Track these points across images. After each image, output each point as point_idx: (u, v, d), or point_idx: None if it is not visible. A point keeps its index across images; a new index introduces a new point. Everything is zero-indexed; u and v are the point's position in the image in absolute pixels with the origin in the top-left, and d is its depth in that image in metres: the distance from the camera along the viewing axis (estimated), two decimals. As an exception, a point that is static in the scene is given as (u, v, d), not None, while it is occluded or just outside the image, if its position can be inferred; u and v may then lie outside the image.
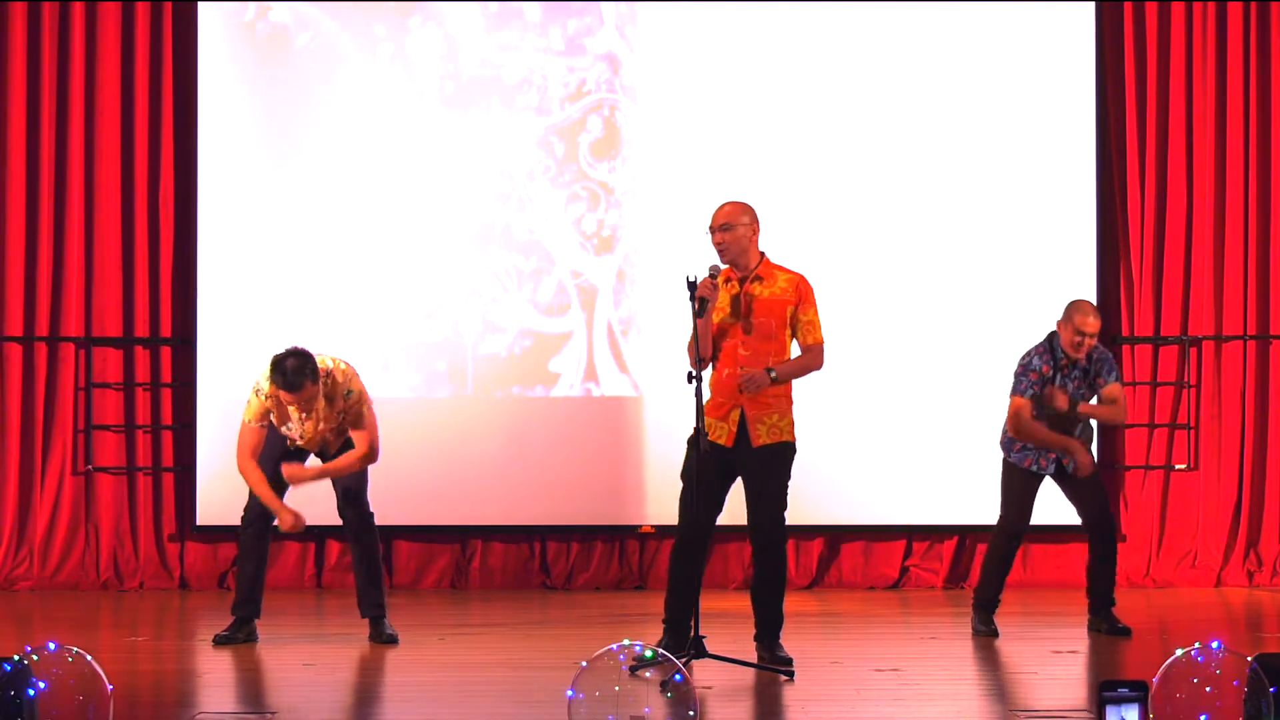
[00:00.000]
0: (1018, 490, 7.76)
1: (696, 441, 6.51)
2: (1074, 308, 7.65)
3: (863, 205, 9.66)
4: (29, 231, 9.64)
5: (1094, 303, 8.41)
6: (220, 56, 9.65)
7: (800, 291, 6.80)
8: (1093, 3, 9.74)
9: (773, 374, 6.67)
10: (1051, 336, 7.71)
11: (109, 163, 9.65)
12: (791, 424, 6.79)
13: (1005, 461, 7.80)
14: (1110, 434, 9.72)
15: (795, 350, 6.84)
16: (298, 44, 9.66)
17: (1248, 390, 9.75)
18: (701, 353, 6.54)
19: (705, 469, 6.58)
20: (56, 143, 9.65)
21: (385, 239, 9.58)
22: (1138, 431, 9.77)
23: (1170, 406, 9.79)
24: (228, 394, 9.47)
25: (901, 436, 9.60)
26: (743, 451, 6.70)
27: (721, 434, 6.69)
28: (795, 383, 6.83)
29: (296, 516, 7.39)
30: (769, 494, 6.73)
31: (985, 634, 7.69)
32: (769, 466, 6.73)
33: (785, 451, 6.77)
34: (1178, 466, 9.76)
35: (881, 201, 9.66)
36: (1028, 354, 7.72)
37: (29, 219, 9.64)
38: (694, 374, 6.45)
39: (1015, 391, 7.67)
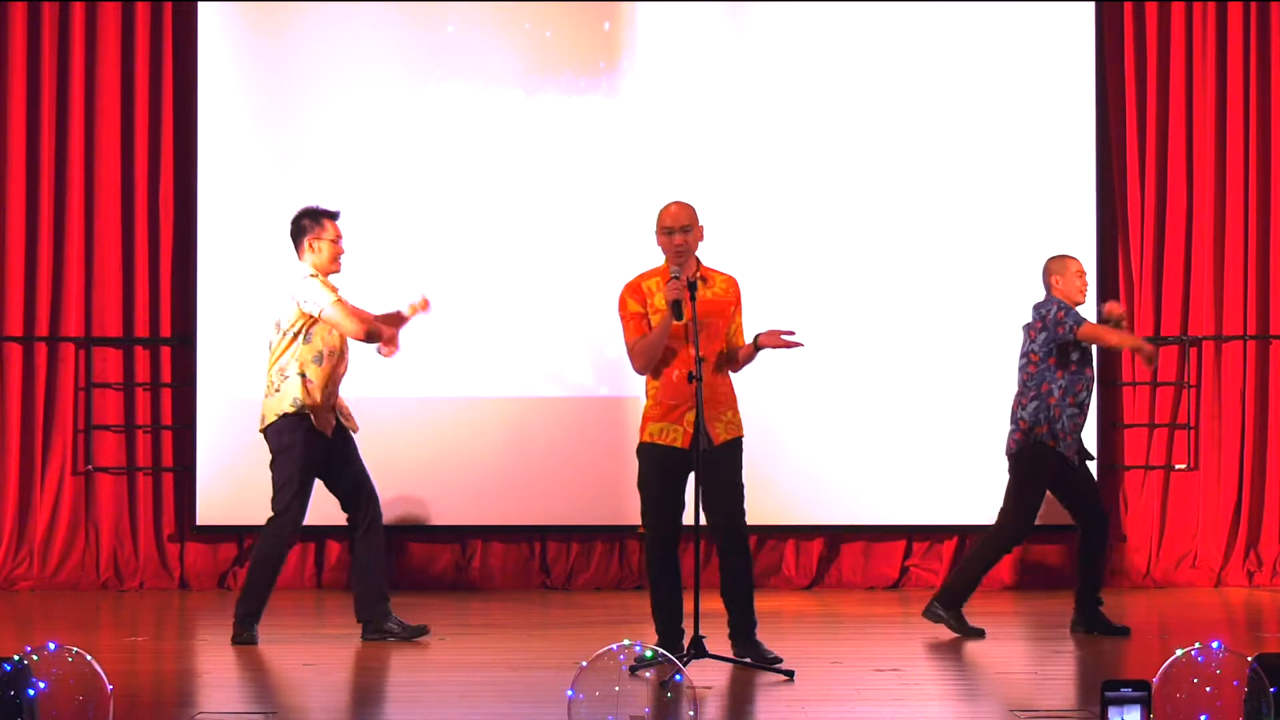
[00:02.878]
0: (1049, 479, 7.72)
1: (696, 444, 6.50)
2: (1058, 263, 7.76)
3: (863, 205, 9.66)
4: (29, 231, 9.64)
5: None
6: (220, 56, 9.65)
7: (737, 293, 6.87)
8: (1093, 3, 9.74)
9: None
10: (1041, 305, 7.74)
11: (109, 163, 9.65)
12: (739, 419, 6.82)
13: (1040, 448, 7.66)
14: (1110, 434, 9.73)
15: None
16: (298, 43, 9.67)
17: (1248, 390, 9.75)
18: (655, 358, 6.61)
19: (675, 472, 6.62)
20: (56, 143, 9.65)
21: (384, 238, 9.57)
22: (1138, 431, 9.78)
23: (1170, 406, 9.79)
24: (228, 394, 9.48)
25: (902, 436, 9.60)
26: (698, 451, 6.65)
27: (676, 436, 6.68)
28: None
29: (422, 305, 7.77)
30: (732, 488, 6.74)
31: (972, 634, 7.69)
32: (730, 462, 6.75)
33: (740, 446, 6.81)
34: (1178, 466, 9.76)
35: (881, 201, 9.67)
36: (1048, 305, 7.69)
37: (29, 219, 9.64)
38: (694, 374, 6.46)
39: (1077, 323, 7.59)
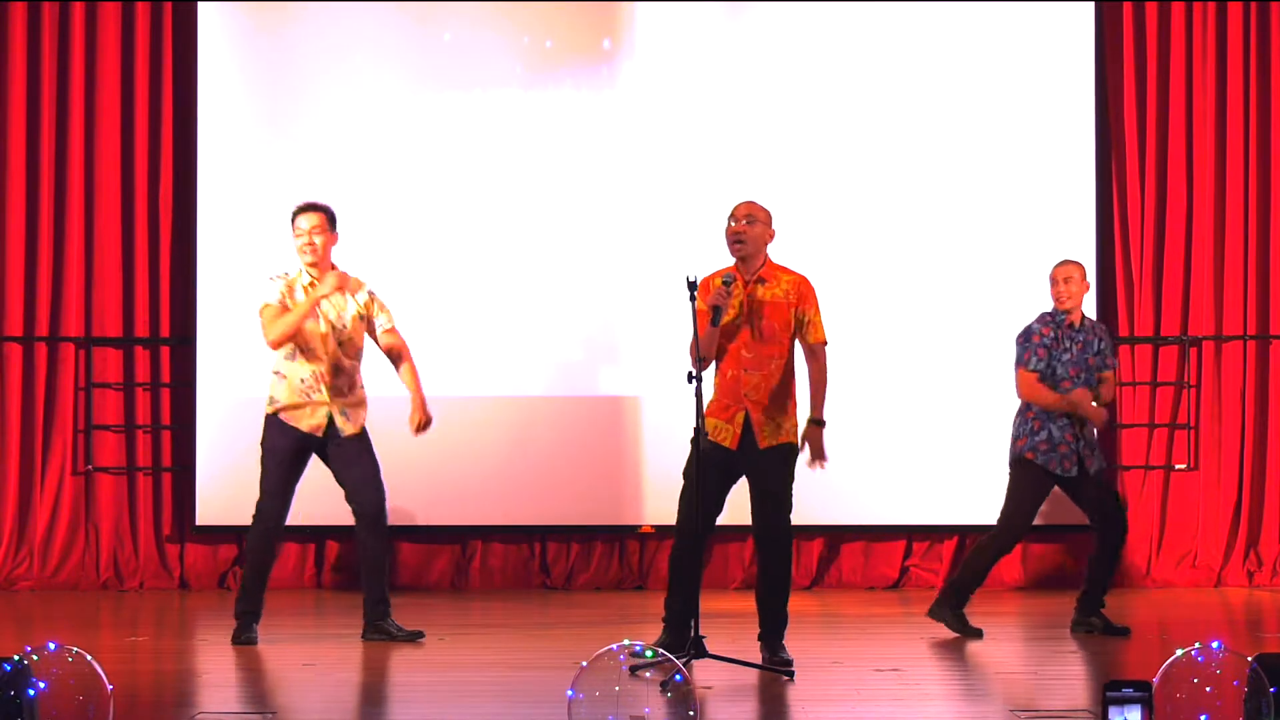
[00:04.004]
0: (1032, 491, 7.74)
1: (698, 442, 6.51)
2: (1053, 270, 7.86)
3: (863, 206, 9.66)
4: (29, 231, 9.64)
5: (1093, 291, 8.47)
6: (220, 56, 9.65)
7: (802, 292, 6.82)
8: (1093, 3, 9.74)
9: (822, 422, 6.81)
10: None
11: (109, 163, 9.65)
12: (795, 426, 6.80)
13: (1022, 461, 7.74)
14: (1110, 434, 9.72)
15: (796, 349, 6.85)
16: (298, 43, 9.66)
17: (1248, 390, 9.75)
18: (706, 354, 6.57)
19: (707, 468, 6.59)
20: (56, 143, 9.65)
21: (383, 238, 9.57)
22: (1138, 431, 9.78)
23: (1170, 406, 9.79)
24: (228, 394, 9.48)
25: (901, 436, 9.60)
26: (748, 453, 6.69)
27: (726, 436, 6.68)
28: (794, 383, 6.83)
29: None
30: (775, 495, 6.73)
31: (971, 634, 7.69)
32: (775, 468, 6.73)
33: (790, 453, 6.78)
34: (1178, 466, 9.76)
35: (882, 202, 9.67)
36: (1028, 327, 7.79)
37: (29, 219, 9.64)
38: (695, 374, 6.46)
39: (1019, 363, 7.71)
